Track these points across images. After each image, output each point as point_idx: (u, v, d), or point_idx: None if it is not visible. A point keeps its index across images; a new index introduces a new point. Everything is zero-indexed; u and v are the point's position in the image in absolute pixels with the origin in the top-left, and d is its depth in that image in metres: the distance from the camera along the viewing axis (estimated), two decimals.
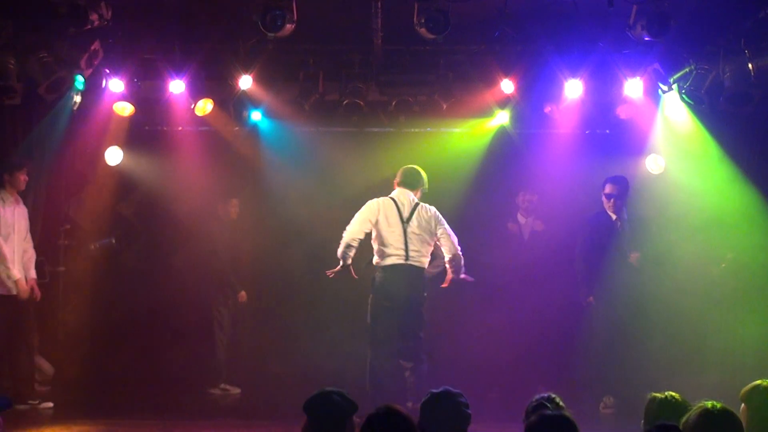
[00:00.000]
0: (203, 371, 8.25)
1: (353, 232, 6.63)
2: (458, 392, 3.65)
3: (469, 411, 3.60)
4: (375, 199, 6.78)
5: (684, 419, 3.24)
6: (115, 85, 7.62)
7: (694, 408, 3.26)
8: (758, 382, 3.67)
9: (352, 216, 7.02)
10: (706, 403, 3.23)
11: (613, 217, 7.48)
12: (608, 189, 7.49)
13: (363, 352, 6.82)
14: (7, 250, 7.03)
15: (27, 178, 7.28)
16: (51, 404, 7.27)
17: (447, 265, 6.84)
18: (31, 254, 7.35)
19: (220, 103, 7.99)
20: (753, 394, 3.62)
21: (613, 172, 8.16)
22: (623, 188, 7.49)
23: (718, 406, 3.21)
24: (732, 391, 3.79)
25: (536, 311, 7.87)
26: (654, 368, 7.42)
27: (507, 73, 7.64)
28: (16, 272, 7.06)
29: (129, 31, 7.34)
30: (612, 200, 7.45)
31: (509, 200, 8.33)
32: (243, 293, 8.43)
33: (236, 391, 8.23)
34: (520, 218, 8.22)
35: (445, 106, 8.08)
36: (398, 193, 6.82)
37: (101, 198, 8.80)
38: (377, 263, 6.73)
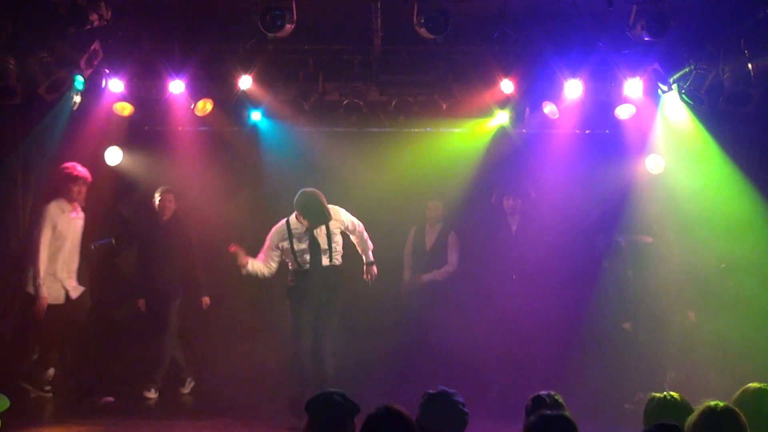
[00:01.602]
0: (201, 372, 8.26)
1: None
2: (454, 392, 3.65)
3: (467, 410, 3.60)
4: None
5: (689, 420, 3.24)
6: (115, 85, 7.63)
7: (698, 408, 3.26)
8: (749, 384, 3.67)
9: (352, 215, 7.07)
10: (709, 402, 3.23)
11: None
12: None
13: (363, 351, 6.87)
14: (41, 262, 7.19)
15: (81, 190, 7.40)
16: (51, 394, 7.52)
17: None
18: (77, 261, 7.55)
19: (219, 103, 7.99)
20: (744, 397, 3.62)
21: (613, 172, 8.20)
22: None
23: (721, 405, 3.21)
24: (731, 392, 3.79)
25: (536, 310, 7.89)
26: (652, 368, 7.45)
27: (507, 73, 7.65)
28: (45, 290, 7.22)
29: (129, 31, 7.33)
30: None
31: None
32: (205, 299, 8.14)
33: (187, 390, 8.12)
34: (509, 218, 8.40)
35: (444, 106, 8.09)
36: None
37: (101, 198, 8.79)
38: None
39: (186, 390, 8.12)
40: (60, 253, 7.34)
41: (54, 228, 7.32)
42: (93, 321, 8.11)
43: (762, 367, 6.96)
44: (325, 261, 6.90)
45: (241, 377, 8.32)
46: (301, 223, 6.92)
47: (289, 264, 7.03)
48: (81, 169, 7.46)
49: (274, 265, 7.04)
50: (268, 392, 7.98)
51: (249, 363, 8.50)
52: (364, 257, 7.13)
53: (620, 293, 7.81)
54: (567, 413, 3.26)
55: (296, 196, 6.86)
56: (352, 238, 7.09)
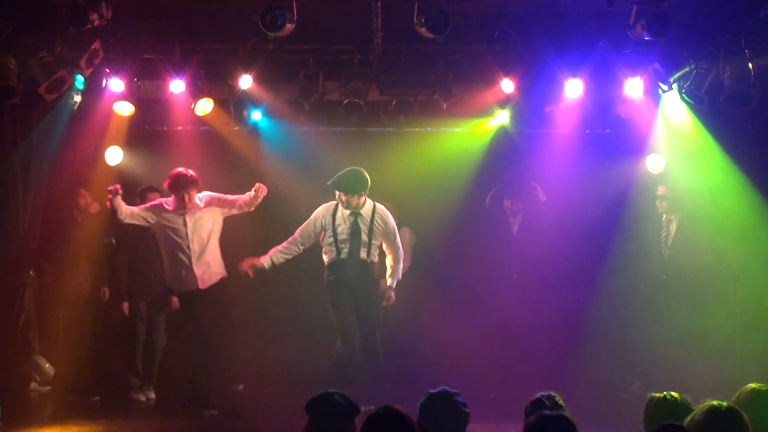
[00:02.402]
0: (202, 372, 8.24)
1: None
2: (456, 392, 3.65)
3: (467, 410, 3.60)
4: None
5: (689, 418, 3.24)
6: (115, 85, 7.63)
7: (700, 407, 3.26)
8: (746, 385, 3.68)
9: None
10: (713, 402, 3.23)
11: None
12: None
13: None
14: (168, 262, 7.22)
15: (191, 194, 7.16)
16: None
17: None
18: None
19: (220, 103, 8.00)
20: (740, 397, 3.62)
21: (613, 172, 8.19)
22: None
23: (725, 404, 3.20)
24: (731, 391, 3.79)
25: (536, 310, 7.89)
26: (651, 367, 7.45)
27: (507, 73, 7.66)
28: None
29: (129, 31, 7.34)
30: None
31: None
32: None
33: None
34: (510, 219, 8.38)
35: (445, 106, 8.09)
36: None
37: (101, 198, 8.78)
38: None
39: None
40: (180, 251, 7.17)
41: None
42: (93, 321, 8.14)
43: (758, 366, 6.98)
44: (363, 254, 6.90)
45: (242, 377, 8.31)
46: (344, 206, 6.88)
47: (325, 256, 7.00)
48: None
49: (301, 249, 7.02)
50: (270, 392, 7.99)
51: (251, 363, 8.51)
52: (388, 278, 7.04)
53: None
54: (566, 413, 3.25)
55: (339, 174, 6.90)
56: (387, 249, 7.05)
